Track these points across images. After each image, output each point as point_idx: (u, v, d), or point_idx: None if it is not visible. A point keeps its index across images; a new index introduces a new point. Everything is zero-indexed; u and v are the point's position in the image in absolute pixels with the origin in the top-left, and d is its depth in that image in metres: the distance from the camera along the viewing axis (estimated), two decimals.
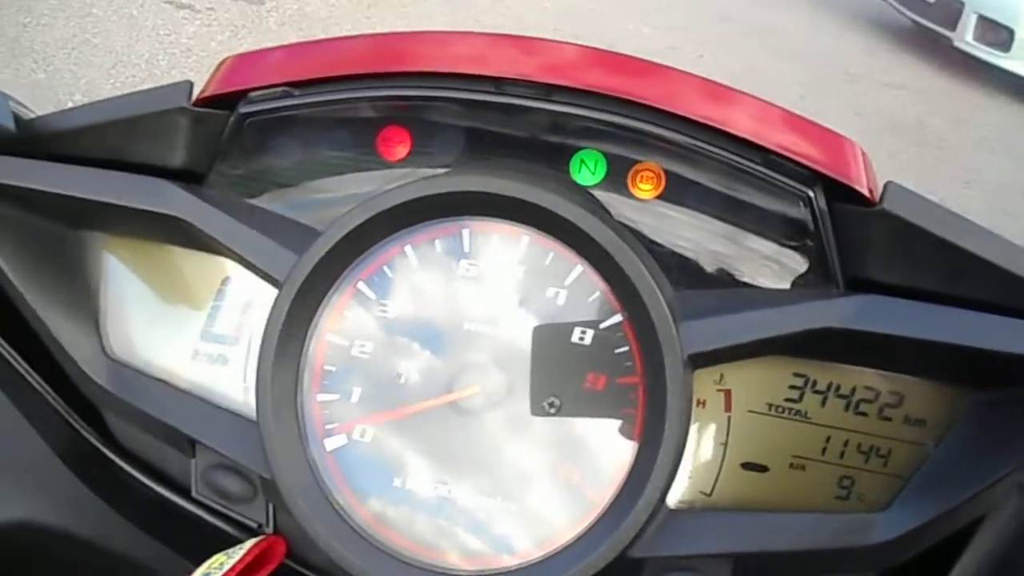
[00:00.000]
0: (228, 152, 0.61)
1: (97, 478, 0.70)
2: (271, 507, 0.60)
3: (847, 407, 0.57)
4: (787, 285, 0.56)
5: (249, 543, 0.58)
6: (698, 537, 0.55)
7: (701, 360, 0.54)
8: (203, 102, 0.61)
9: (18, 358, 0.64)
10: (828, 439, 0.57)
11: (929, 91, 4.95)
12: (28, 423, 0.68)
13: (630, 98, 0.56)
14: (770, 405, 0.57)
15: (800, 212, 0.55)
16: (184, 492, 0.64)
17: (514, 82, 0.58)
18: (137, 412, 0.62)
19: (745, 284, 0.57)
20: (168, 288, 0.64)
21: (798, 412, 0.57)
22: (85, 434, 0.66)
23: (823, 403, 0.57)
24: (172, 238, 0.62)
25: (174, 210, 0.58)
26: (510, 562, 0.56)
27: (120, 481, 0.67)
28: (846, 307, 0.52)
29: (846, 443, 0.57)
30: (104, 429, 0.67)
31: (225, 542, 0.61)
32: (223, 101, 0.61)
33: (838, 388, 0.57)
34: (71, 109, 0.63)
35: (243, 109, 0.60)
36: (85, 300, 0.63)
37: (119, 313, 0.64)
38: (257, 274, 0.58)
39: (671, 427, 0.53)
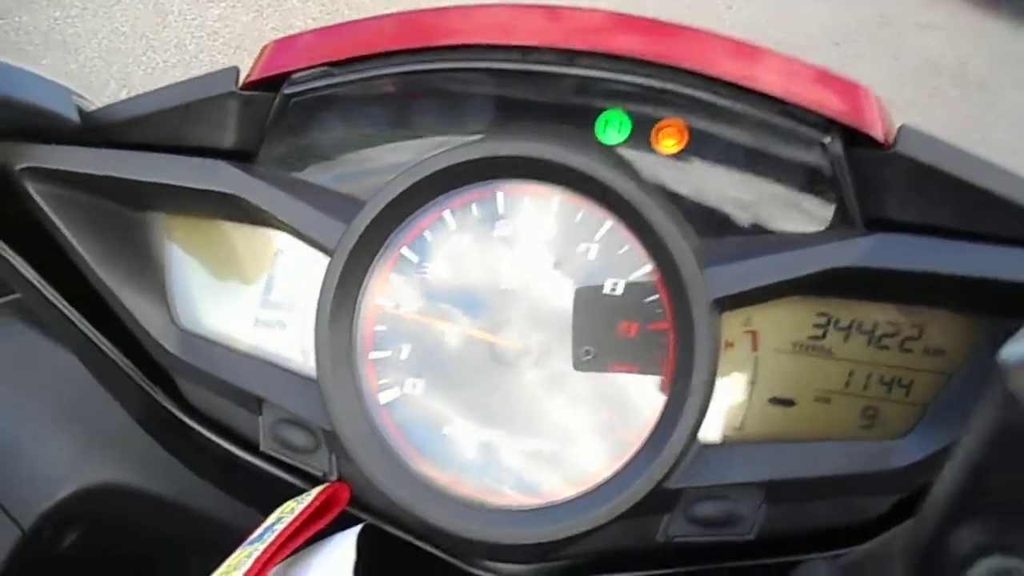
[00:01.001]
0: (275, 131, 0.66)
1: (173, 441, 0.76)
2: (334, 457, 0.66)
3: (869, 342, 0.60)
4: (808, 230, 0.59)
5: (315, 490, 0.63)
6: (730, 468, 0.59)
7: (727, 303, 0.57)
8: (250, 86, 0.65)
9: (97, 333, 0.70)
10: (851, 373, 0.60)
11: (968, 32, 4.80)
12: (109, 393, 0.75)
13: (651, 59, 0.59)
14: (795, 343, 0.61)
15: (818, 159, 0.58)
16: (252, 448, 0.70)
17: (538, 50, 0.61)
18: (207, 376, 0.67)
19: (767, 230, 0.60)
20: (227, 261, 0.69)
21: (822, 349, 0.60)
22: (160, 400, 0.72)
23: (846, 339, 0.60)
24: (228, 214, 0.67)
25: (230, 188, 0.63)
26: (553, 498, 0.61)
27: (194, 442, 0.73)
28: (864, 246, 0.55)
29: (869, 376, 0.60)
30: (177, 395, 0.72)
31: (292, 492, 0.67)
32: (268, 84, 0.65)
33: (860, 324, 0.60)
34: (128, 99, 0.67)
35: (287, 90, 0.64)
36: (152, 276, 0.69)
37: (184, 286, 0.69)
38: (309, 244, 0.63)
39: (700, 368, 0.56)
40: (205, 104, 0.65)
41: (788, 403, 0.61)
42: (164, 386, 0.73)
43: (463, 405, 0.63)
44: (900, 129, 0.56)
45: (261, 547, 0.57)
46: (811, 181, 0.59)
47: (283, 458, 0.67)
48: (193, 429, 0.72)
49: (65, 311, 0.69)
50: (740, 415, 0.61)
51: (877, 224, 0.58)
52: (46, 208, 0.64)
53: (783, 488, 0.59)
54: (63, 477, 0.80)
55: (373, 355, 0.64)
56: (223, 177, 0.64)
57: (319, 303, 0.62)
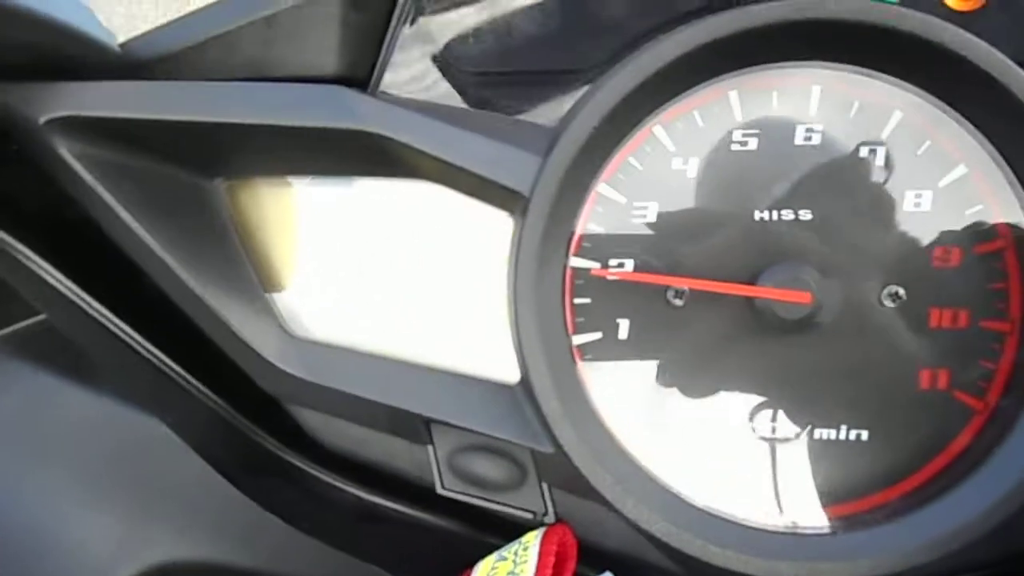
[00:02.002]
0: (403, 42, 0.46)
1: (278, 493, 0.55)
2: (548, 490, 0.47)
3: None
4: None
5: (534, 539, 0.44)
6: None
7: None
8: None
9: (160, 355, 0.49)
10: None
11: None
12: (182, 440, 0.54)
13: None
14: None
15: None
16: (405, 491, 0.50)
17: None
18: (343, 399, 0.47)
19: None
20: (348, 237, 0.49)
21: None
22: (263, 441, 0.52)
23: None
24: (352, 167, 0.47)
25: (367, 124, 0.43)
26: (876, 502, 0.44)
27: (312, 492, 0.53)
28: None
29: None
30: (282, 433, 0.52)
31: (461, 545, 0.48)
32: None
33: None
34: (179, 19, 0.47)
35: None
36: (248, 273, 0.49)
37: (295, 281, 0.49)
38: (486, 191, 0.44)
39: None
40: (296, 14, 0.46)
41: None
42: (262, 423, 0.53)
43: (727, 396, 0.45)
44: None
45: None
46: None
47: (468, 500, 0.48)
48: (312, 475, 0.52)
49: (115, 328, 0.48)
50: None
51: None
52: (87, 177, 0.43)
53: None
54: (115, 562, 0.59)
55: (579, 339, 0.45)
56: (355, 109, 0.44)
57: (516, 273, 0.43)
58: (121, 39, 0.47)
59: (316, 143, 0.45)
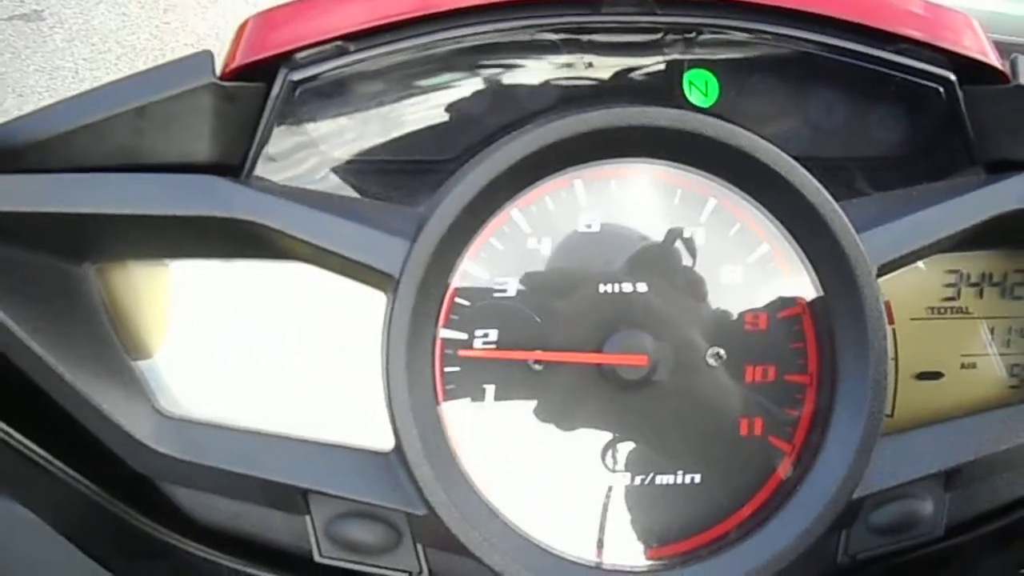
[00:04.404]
0: (272, 131, 0.49)
1: (151, 572, 0.55)
2: (421, 550, 0.50)
3: (1003, 294, 0.55)
4: (933, 178, 0.53)
5: None
6: (908, 462, 0.51)
7: (886, 270, 0.50)
8: (232, 74, 0.48)
9: (32, 446, 0.49)
10: (992, 330, 0.55)
11: None
12: (45, 522, 0.53)
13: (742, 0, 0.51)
14: (930, 308, 0.55)
15: (939, 99, 0.52)
16: (287, 561, 0.52)
17: (612, 0, 0.50)
18: (218, 475, 0.49)
19: (893, 184, 0.53)
20: (222, 311, 0.51)
21: (958, 309, 0.55)
22: (132, 520, 0.52)
23: (980, 294, 0.55)
24: (221, 250, 0.49)
25: (240, 211, 0.46)
26: (713, 539, 0.50)
27: (188, 568, 0.53)
28: (1022, 187, 0.50)
29: (1009, 330, 0.55)
30: (158, 512, 0.53)
31: None
32: (257, 71, 0.49)
33: (991, 277, 0.55)
34: (49, 107, 0.48)
35: (294, 76, 0.48)
36: (113, 351, 0.49)
37: (169, 358, 0.50)
38: (357, 272, 0.47)
39: (875, 345, 0.48)
40: (170, 104, 0.47)
41: (935, 376, 0.55)
42: (132, 501, 0.52)
43: (583, 449, 0.51)
44: (1015, 61, 0.52)
45: None
46: (932, 124, 0.53)
47: (346, 565, 0.50)
48: (187, 551, 0.53)
49: None
50: (889, 399, 0.54)
51: (996, 165, 0.53)
52: None
53: (963, 471, 0.52)
54: None
55: (449, 405, 0.49)
56: (226, 197, 0.46)
57: (388, 346, 0.46)
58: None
59: (189, 230, 0.47)
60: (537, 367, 0.50)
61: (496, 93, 0.51)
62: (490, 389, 0.50)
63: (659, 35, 0.51)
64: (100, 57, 3.14)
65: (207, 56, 0.48)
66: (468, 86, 0.51)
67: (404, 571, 0.50)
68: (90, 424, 0.48)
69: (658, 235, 0.51)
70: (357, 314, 0.50)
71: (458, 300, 0.49)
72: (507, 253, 0.50)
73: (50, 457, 0.50)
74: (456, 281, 0.49)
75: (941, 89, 0.52)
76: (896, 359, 0.54)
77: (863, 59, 0.51)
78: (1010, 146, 0.53)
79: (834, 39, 0.51)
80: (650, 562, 0.50)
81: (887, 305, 0.54)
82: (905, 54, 0.51)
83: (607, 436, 0.51)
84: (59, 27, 3.32)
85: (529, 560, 0.47)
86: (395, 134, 0.51)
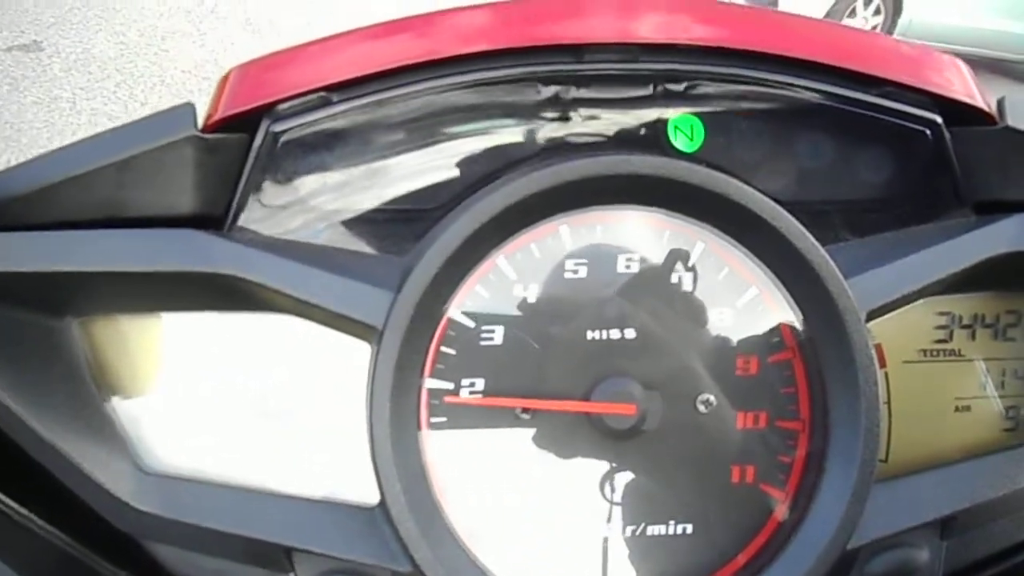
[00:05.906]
0: (255, 183, 0.49)
1: None
2: None
3: (996, 335, 0.54)
4: (921, 220, 0.53)
5: None
6: (903, 510, 0.50)
7: (875, 315, 0.49)
8: (214, 126, 0.48)
9: (10, 503, 0.48)
10: (986, 372, 0.54)
11: None
12: None
13: (727, 46, 0.50)
14: (923, 351, 0.54)
15: (926, 141, 0.52)
16: None
17: (596, 48, 0.50)
18: (201, 533, 0.48)
19: (881, 227, 0.53)
20: (205, 364, 0.50)
21: (951, 351, 0.54)
22: None
23: (972, 336, 0.54)
24: (204, 303, 0.49)
25: (223, 266, 0.45)
26: None
27: None
28: (1012, 229, 0.50)
29: (1003, 372, 0.54)
30: (139, 566, 0.52)
31: None
32: (239, 122, 0.48)
33: (983, 318, 0.54)
34: (30, 161, 0.47)
35: (276, 127, 0.48)
36: (101, 409, 0.48)
37: (148, 411, 0.50)
38: (341, 324, 0.47)
39: (866, 391, 0.48)
40: (152, 157, 0.47)
41: (928, 420, 0.54)
42: (118, 561, 0.52)
43: (571, 500, 0.50)
44: (1002, 102, 0.52)
45: None
46: (919, 166, 0.53)
47: None
48: None
49: None
50: (883, 445, 0.53)
51: (985, 206, 0.53)
52: None
53: (960, 517, 0.51)
54: None
55: (434, 457, 0.49)
56: (207, 252, 0.46)
57: (372, 399, 0.46)
58: None
59: (172, 284, 0.46)
60: (525, 415, 0.49)
61: (481, 142, 0.51)
62: (477, 439, 0.49)
63: (643, 82, 0.51)
64: (98, 86, 3.15)
65: (189, 108, 0.48)
66: (452, 135, 0.51)
67: None
68: (70, 482, 0.47)
69: (645, 280, 0.50)
70: (343, 365, 0.49)
71: (444, 349, 0.49)
72: (493, 301, 0.49)
73: (29, 513, 0.49)
74: (441, 330, 0.49)
75: (928, 132, 0.52)
76: (889, 403, 0.53)
77: (849, 103, 0.51)
78: (999, 187, 0.53)
79: (819, 84, 0.51)
80: None
81: (878, 348, 0.53)
82: (891, 97, 0.51)
83: (596, 486, 0.50)
84: (56, 56, 3.34)
85: None
86: (380, 184, 0.51)
